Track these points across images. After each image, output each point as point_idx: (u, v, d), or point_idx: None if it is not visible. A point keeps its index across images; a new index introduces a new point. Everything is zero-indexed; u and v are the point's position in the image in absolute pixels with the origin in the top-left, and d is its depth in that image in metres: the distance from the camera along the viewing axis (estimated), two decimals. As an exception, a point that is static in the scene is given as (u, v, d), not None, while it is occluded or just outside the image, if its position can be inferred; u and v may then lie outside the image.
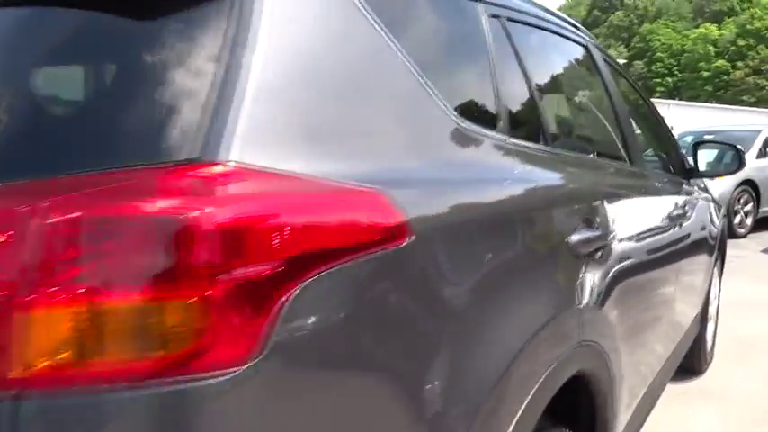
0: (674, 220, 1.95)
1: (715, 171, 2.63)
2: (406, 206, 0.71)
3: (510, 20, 1.24)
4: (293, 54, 0.70)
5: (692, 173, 2.51)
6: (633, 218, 1.54)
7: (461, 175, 0.88)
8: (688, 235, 2.18)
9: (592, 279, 1.16)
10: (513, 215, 0.95)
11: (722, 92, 55.25)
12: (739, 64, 56.11)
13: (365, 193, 0.67)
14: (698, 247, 2.42)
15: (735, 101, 46.86)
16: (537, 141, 1.21)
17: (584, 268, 1.13)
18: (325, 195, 0.64)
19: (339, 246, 0.62)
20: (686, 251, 2.17)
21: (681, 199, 2.20)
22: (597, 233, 1.19)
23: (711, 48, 59.57)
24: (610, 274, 1.28)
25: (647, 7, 71.30)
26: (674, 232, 1.95)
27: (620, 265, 1.35)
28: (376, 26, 0.80)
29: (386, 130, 0.78)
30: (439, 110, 0.88)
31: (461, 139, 0.93)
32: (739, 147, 2.59)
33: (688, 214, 2.22)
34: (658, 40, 63.76)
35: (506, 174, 1.00)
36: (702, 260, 2.53)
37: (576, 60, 1.69)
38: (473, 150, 0.96)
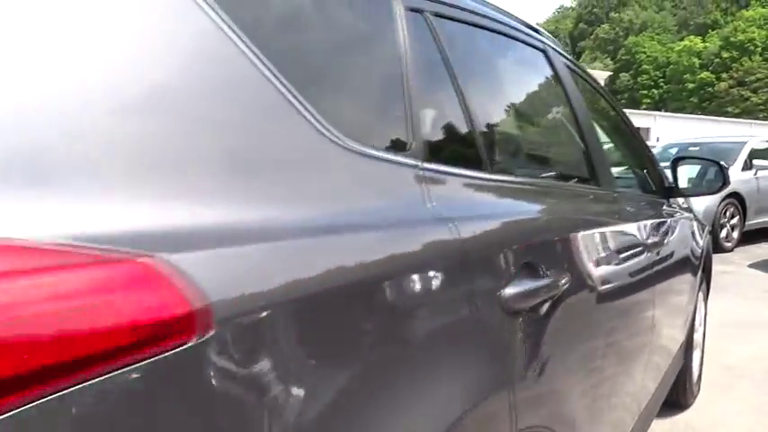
0: (651, 247, 1.71)
1: (697, 190, 2.40)
2: (210, 279, 0.46)
3: (438, 15, 1.01)
4: (50, 47, 0.46)
5: (672, 191, 2.29)
6: (598, 251, 1.30)
7: (334, 219, 0.63)
8: (667, 261, 1.96)
9: (536, 342, 0.92)
10: (412, 271, 0.70)
11: (707, 103, 56.05)
12: (723, 76, 56.99)
13: (126, 265, 0.42)
14: (680, 271, 2.20)
15: (720, 112, 47.54)
16: (469, 166, 0.97)
17: (523, 330, 0.88)
18: (41, 275, 0.39)
19: (56, 363, 0.37)
20: (666, 279, 1.95)
21: (658, 222, 1.97)
22: (544, 281, 0.95)
23: (696, 60, 60.55)
24: (564, 329, 1.04)
25: (633, 20, 72.44)
26: (651, 260, 1.72)
27: (578, 315, 1.12)
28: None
29: (202, 158, 0.53)
30: (307, 126, 0.64)
31: (343, 165, 0.69)
32: (723, 163, 2.38)
33: (667, 238, 1.99)
34: (644, 52, 64.74)
35: (412, 212, 0.75)
36: (685, 285, 2.32)
37: (530, 67, 1.45)
38: (361, 181, 0.71)
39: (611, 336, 1.37)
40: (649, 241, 1.71)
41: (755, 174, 7.52)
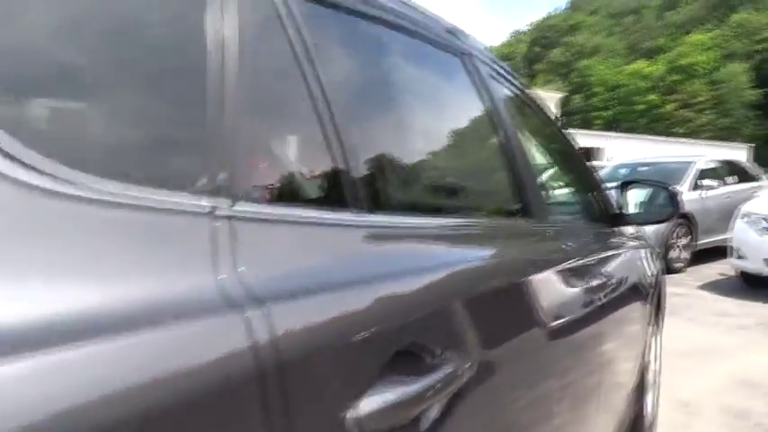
0: (594, 290, 1.45)
1: (647, 217, 2.18)
2: None
3: None
4: None
5: (620, 218, 2.06)
6: (524, 307, 1.03)
7: (33, 321, 0.34)
8: (614, 300, 1.71)
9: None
10: (182, 402, 0.39)
11: (656, 124, 58.19)
12: (670, 98, 59.34)
13: None
14: (629, 309, 1.96)
15: (668, 132, 49.42)
16: (327, 205, 0.67)
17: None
18: None
19: None
20: (613, 322, 1.70)
21: (604, 256, 1.73)
22: (432, 375, 0.65)
23: (644, 83, 62.92)
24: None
25: (584, 44, 74.95)
26: (594, 304, 1.46)
27: (493, 405, 0.83)
28: None
29: None
30: None
31: (62, 218, 0.40)
32: (674, 188, 2.17)
33: (613, 274, 1.75)
34: (596, 75, 66.85)
35: (189, 292, 0.45)
36: (636, 323, 2.08)
37: (439, 74, 1.17)
38: (99, 246, 0.41)
39: (543, 407, 1.10)
40: (592, 283, 1.45)
41: (703, 194, 7.54)
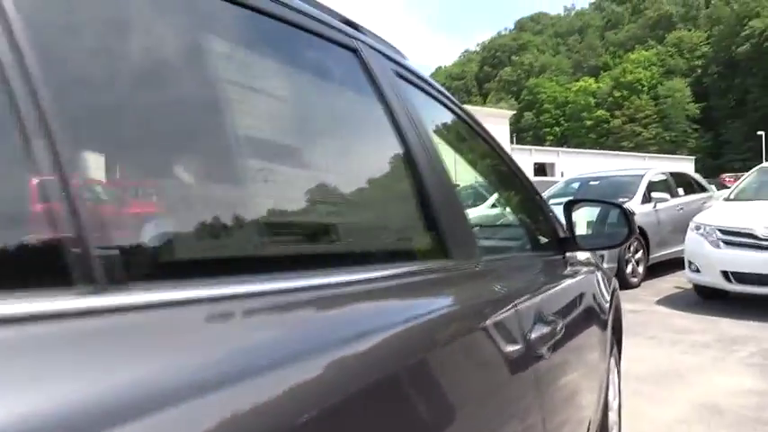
0: (537, 342, 1.16)
1: (600, 241, 1.93)
2: None
3: None
4: None
5: (570, 244, 1.79)
6: (439, 389, 0.72)
7: None
8: (566, 339, 1.43)
9: None
10: None
11: (604, 139, 60.09)
12: (617, 113, 61.51)
13: None
14: (585, 343, 1.70)
15: (616, 147, 51.01)
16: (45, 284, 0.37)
17: None
18: None
19: None
20: (569, 359, 1.45)
21: (549, 289, 1.45)
22: None
23: (591, 99, 65.09)
24: None
25: (533, 63, 77.21)
26: (539, 351, 1.18)
27: None
28: None
29: None
30: None
31: None
32: (628, 207, 1.93)
33: (559, 309, 1.47)
34: (545, 92, 68.87)
35: None
36: (594, 357, 1.82)
37: (318, 72, 0.86)
38: None
39: None
40: (534, 333, 1.16)
41: (654, 206, 7.50)
